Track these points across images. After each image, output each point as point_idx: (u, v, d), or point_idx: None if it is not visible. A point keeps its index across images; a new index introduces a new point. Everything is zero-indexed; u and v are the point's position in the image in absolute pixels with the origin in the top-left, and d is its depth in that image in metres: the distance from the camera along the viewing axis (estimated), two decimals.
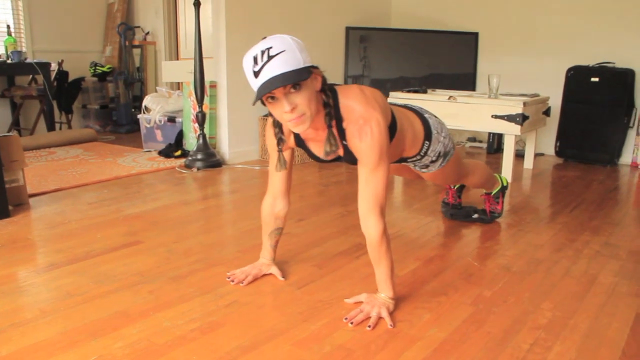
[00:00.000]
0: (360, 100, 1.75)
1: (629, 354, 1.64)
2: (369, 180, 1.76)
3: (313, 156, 1.95)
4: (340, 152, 1.87)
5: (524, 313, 1.89)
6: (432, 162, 2.24)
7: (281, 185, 2.06)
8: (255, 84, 1.61)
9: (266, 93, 1.58)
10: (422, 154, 2.16)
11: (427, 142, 2.14)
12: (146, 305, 1.88)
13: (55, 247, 2.44)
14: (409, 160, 2.21)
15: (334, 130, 1.78)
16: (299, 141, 1.93)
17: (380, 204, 1.77)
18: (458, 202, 2.96)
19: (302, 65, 1.60)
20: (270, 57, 1.57)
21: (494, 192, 2.87)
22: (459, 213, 2.96)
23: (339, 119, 1.76)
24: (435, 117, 2.23)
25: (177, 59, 6.27)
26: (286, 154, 1.99)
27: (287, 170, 2.03)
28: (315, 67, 1.69)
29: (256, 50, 1.61)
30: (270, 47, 1.59)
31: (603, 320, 1.85)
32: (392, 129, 1.91)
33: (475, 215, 2.91)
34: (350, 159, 1.85)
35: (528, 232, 2.77)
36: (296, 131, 1.70)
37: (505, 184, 2.89)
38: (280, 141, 1.90)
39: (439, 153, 2.21)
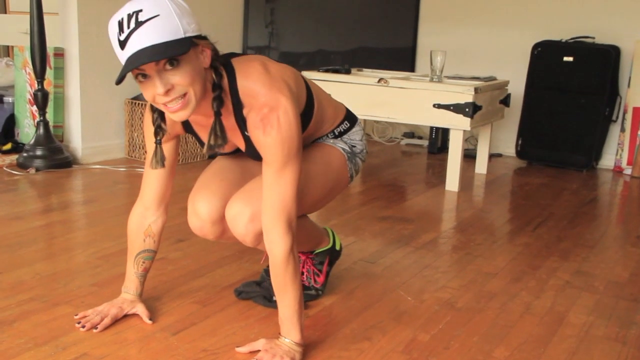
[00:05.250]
0: (264, 81, 1.79)
1: None
2: (275, 183, 1.80)
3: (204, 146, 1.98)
4: (241, 144, 1.92)
5: None
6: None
7: (157, 189, 2.06)
8: (122, 57, 1.62)
9: (131, 70, 1.59)
10: (336, 133, 2.18)
11: (347, 122, 2.19)
12: None
13: None
14: (319, 140, 2.20)
15: (231, 119, 1.82)
16: (188, 127, 1.97)
17: (289, 213, 1.81)
18: None
19: (181, 35, 1.62)
20: (138, 24, 1.58)
21: (317, 250, 2.38)
22: (254, 292, 2.32)
23: (239, 105, 1.80)
24: None
25: (5, 13, 6.06)
26: (167, 147, 2.00)
27: (168, 170, 2.04)
28: (203, 38, 1.72)
29: (123, 13, 1.61)
30: (140, 11, 1.59)
31: None
32: (310, 107, 1.97)
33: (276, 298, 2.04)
34: (253, 153, 1.90)
35: (478, 257, 2.85)
36: (176, 119, 1.72)
37: (338, 248, 2.43)
38: (159, 130, 1.89)
39: (352, 149, 2.21)
